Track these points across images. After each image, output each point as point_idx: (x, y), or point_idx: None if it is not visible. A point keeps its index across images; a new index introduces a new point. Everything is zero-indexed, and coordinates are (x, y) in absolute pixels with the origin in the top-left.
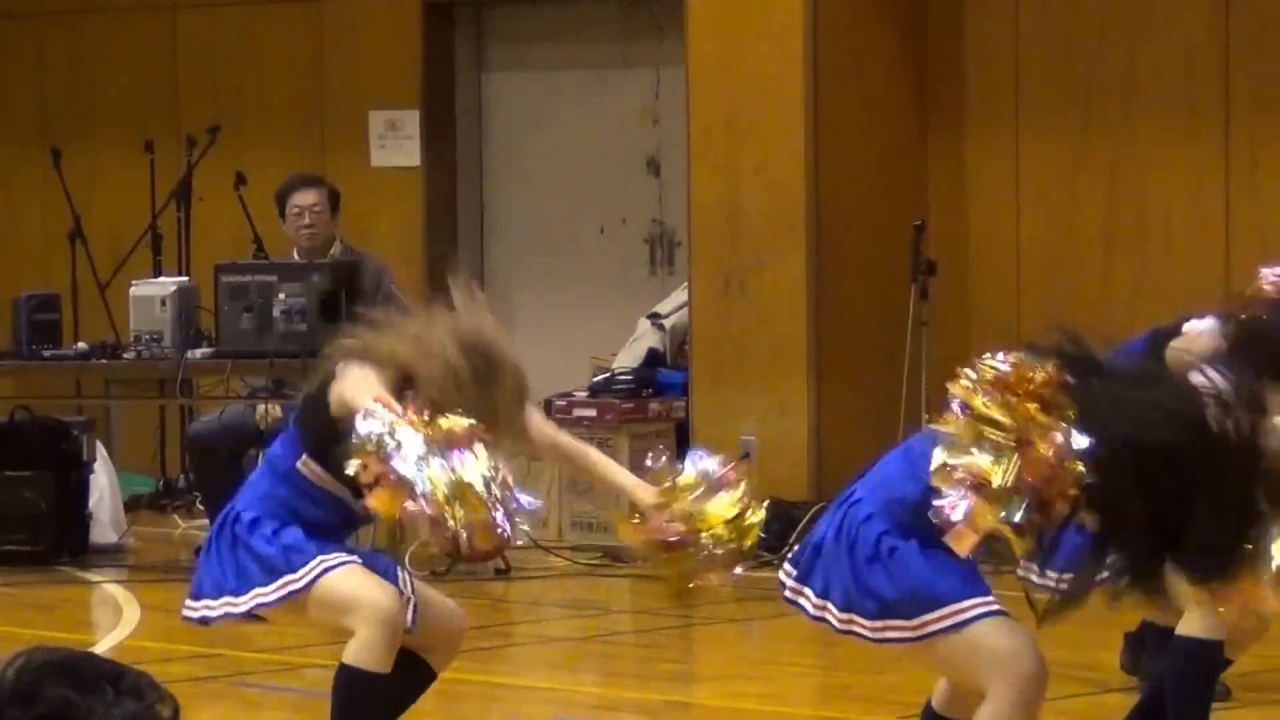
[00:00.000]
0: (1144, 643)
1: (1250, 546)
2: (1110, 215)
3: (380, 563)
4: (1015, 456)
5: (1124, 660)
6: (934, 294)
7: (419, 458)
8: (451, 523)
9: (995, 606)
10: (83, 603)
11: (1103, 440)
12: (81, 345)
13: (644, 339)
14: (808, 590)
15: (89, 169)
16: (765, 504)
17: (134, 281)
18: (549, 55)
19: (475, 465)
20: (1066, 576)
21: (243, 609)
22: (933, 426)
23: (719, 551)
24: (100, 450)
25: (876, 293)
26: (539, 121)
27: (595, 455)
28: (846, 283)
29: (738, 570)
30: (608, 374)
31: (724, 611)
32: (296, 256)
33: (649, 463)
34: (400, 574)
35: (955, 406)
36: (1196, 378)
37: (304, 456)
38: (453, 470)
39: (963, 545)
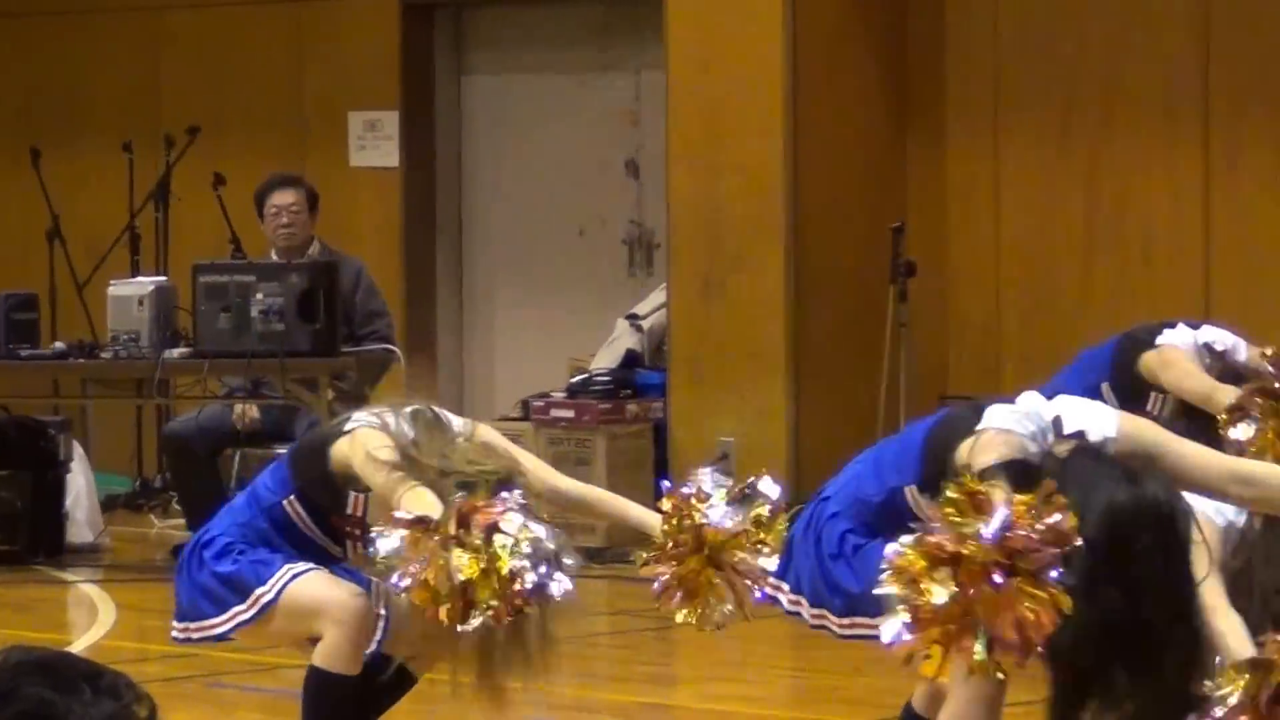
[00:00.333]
0: None
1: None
2: (1090, 218)
3: (355, 576)
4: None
5: None
6: (913, 296)
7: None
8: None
9: None
10: (58, 602)
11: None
12: (59, 345)
13: (622, 340)
14: (784, 585)
15: (68, 169)
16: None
17: (112, 281)
18: (528, 57)
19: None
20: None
21: (224, 630)
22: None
23: (739, 568)
24: (77, 449)
25: (855, 295)
26: (518, 123)
27: (597, 494)
28: (825, 285)
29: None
30: (585, 375)
31: None
32: (275, 257)
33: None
34: (374, 586)
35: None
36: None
37: (290, 496)
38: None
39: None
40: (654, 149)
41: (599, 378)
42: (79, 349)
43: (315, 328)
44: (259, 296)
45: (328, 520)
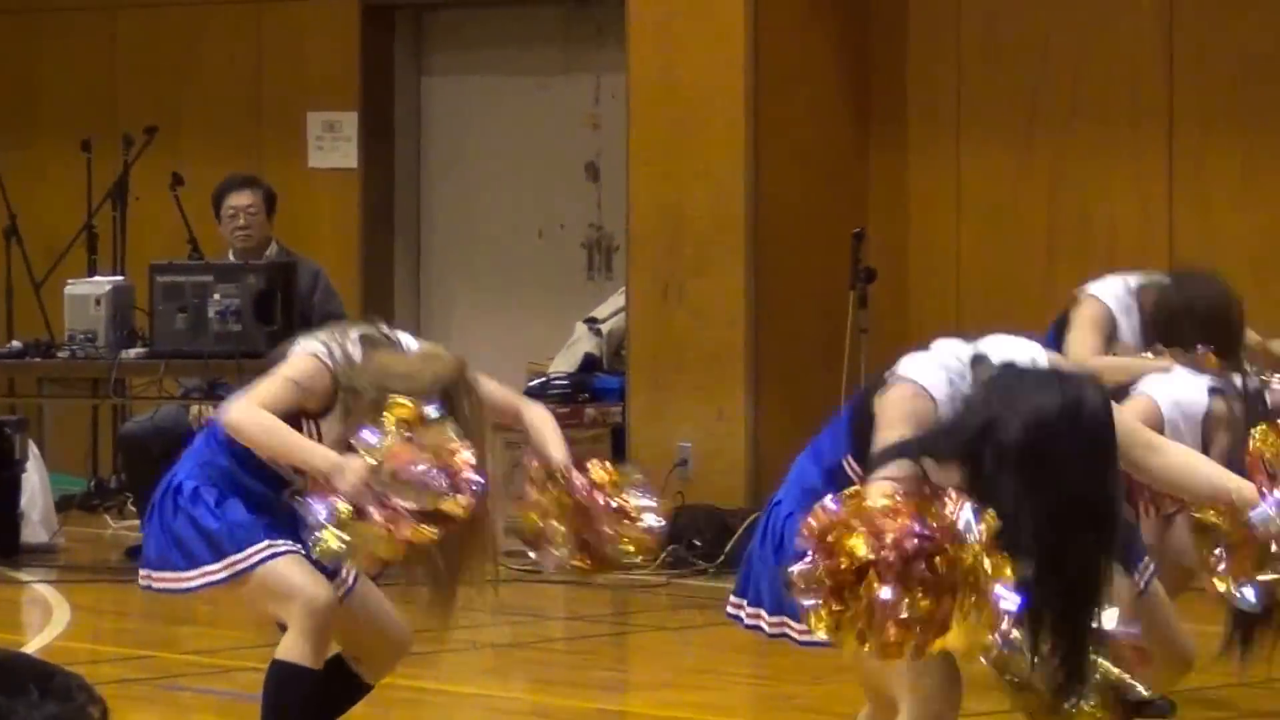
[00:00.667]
0: None
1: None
2: (1052, 225)
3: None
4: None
5: None
6: (873, 302)
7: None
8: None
9: None
10: (12, 602)
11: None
12: (15, 343)
13: (580, 343)
14: (743, 602)
15: (26, 167)
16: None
17: (69, 280)
18: (489, 59)
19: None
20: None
21: (191, 585)
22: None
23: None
24: (32, 449)
25: (816, 300)
26: (478, 125)
27: (530, 418)
28: (786, 290)
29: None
30: (544, 378)
31: (659, 619)
32: (232, 258)
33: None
34: (344, 569)
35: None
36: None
37: None
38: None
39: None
40: (614, 152)
41: (557, 381)
42: (35, 348)
43: (272, 329)
44: (216, 297)
45: None
